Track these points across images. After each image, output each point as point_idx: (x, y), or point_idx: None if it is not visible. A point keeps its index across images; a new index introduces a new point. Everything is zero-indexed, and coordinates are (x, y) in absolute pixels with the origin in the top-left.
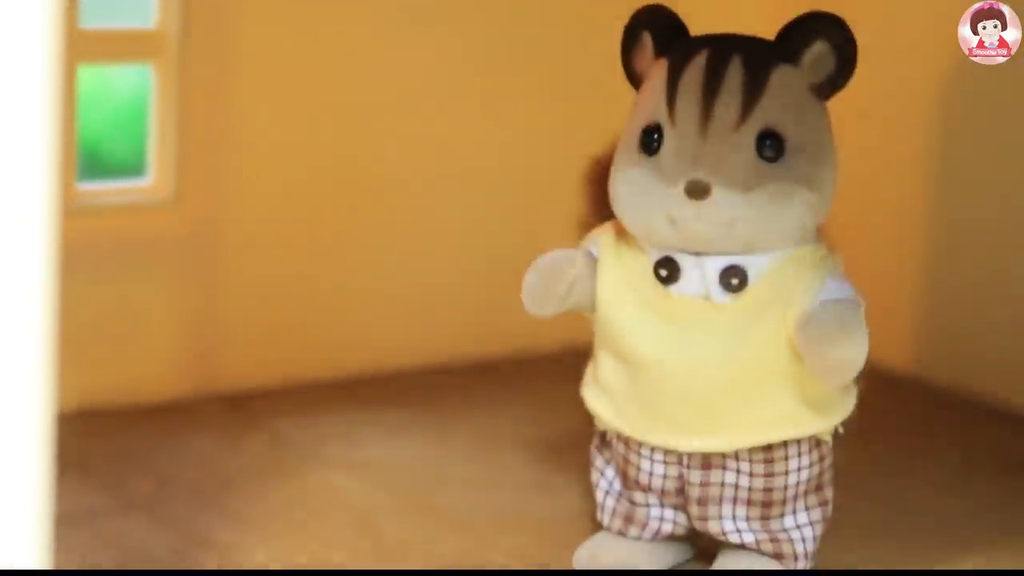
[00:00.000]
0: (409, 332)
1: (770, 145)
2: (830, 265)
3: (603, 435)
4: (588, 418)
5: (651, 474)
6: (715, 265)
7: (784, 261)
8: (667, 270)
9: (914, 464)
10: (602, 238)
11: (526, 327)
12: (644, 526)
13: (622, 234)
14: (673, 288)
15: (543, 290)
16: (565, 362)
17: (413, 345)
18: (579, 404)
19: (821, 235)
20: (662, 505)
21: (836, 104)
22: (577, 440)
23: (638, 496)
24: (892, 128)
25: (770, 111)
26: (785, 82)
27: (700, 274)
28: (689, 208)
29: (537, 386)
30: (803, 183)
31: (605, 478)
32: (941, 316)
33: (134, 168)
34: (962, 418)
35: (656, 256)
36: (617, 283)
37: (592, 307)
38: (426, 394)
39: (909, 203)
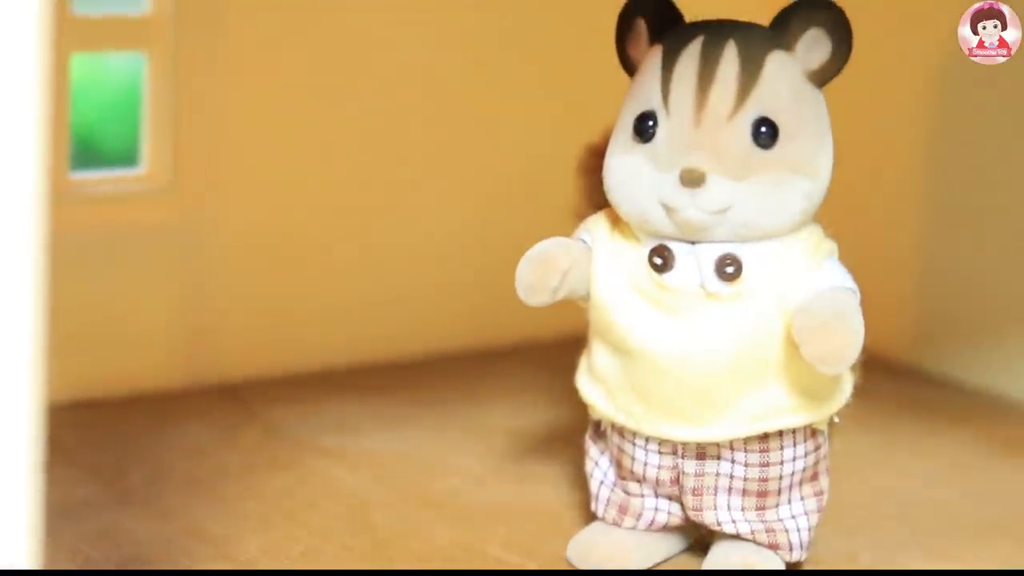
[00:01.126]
0: (405, 322)
1: (765, 132)
2: (826, 252)
3: (597, 425)
4: (583, 408)
5: (646, 464)
6: (710, 253)
7: (780, 249)
8: (662, 258)
9: (910, 453)
10: (596, 226)
11: (522, 317)
12: (639, 516)
13: (616, 222)
14: (668, 277)
15: (536, 280)
16: (562, 352)
17: (408, 335)
18: (575, 394)
19: (817, 222)
20: (656, 495)
21: (832, 91)
22: (573, 430)
23: (632, 486)
24: (888, 117)
25: (765, 98)
26: (780, 69)
27: (695, 262)
28: (684, 195)
29: (534, 376)
30: (798, 170)
31: (600, 468)
32: (937, 304)
33: (128, 157)
34: (958, 407)
35: (651, 244)
36: (611, 272)
37: (586, 296)
38: (422, 384)
39: (907, 189)
